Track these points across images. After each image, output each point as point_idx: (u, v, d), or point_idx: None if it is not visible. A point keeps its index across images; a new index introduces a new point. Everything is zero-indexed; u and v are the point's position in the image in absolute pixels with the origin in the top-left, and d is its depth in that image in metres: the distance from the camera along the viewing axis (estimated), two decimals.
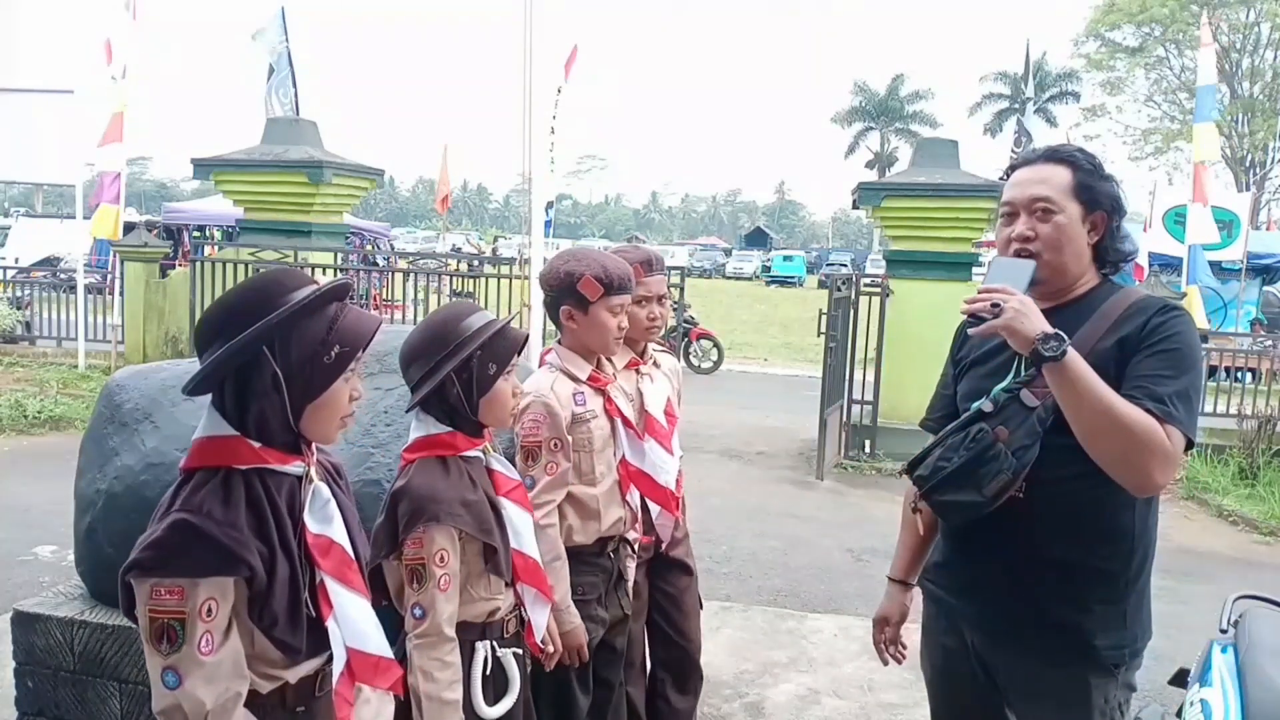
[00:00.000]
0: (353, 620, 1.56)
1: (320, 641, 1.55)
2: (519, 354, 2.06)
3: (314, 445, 1.59)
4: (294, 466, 1.54)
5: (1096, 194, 1.87)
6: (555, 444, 2.36)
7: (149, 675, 1.42)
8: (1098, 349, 1.80)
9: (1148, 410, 1.69)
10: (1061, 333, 1.69)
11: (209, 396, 1.52)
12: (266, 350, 1.47)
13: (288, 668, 1.53)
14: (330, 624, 1.54)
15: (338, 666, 1.56)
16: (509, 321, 2.03)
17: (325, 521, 1.55)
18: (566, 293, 2.41)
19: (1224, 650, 2.41)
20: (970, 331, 1.83)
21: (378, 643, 1.61)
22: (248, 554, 1.42)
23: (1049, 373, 1.71)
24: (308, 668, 1.57)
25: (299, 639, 1.50)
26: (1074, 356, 1.69)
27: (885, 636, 2.24)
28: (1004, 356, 1.89)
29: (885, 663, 2.26)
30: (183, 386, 1.52)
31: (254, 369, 1.47)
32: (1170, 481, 1.79)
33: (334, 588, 1.54)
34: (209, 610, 1.40)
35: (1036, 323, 1.70)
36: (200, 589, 1.39)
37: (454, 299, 10.60)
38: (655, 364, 2.86)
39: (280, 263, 9.10)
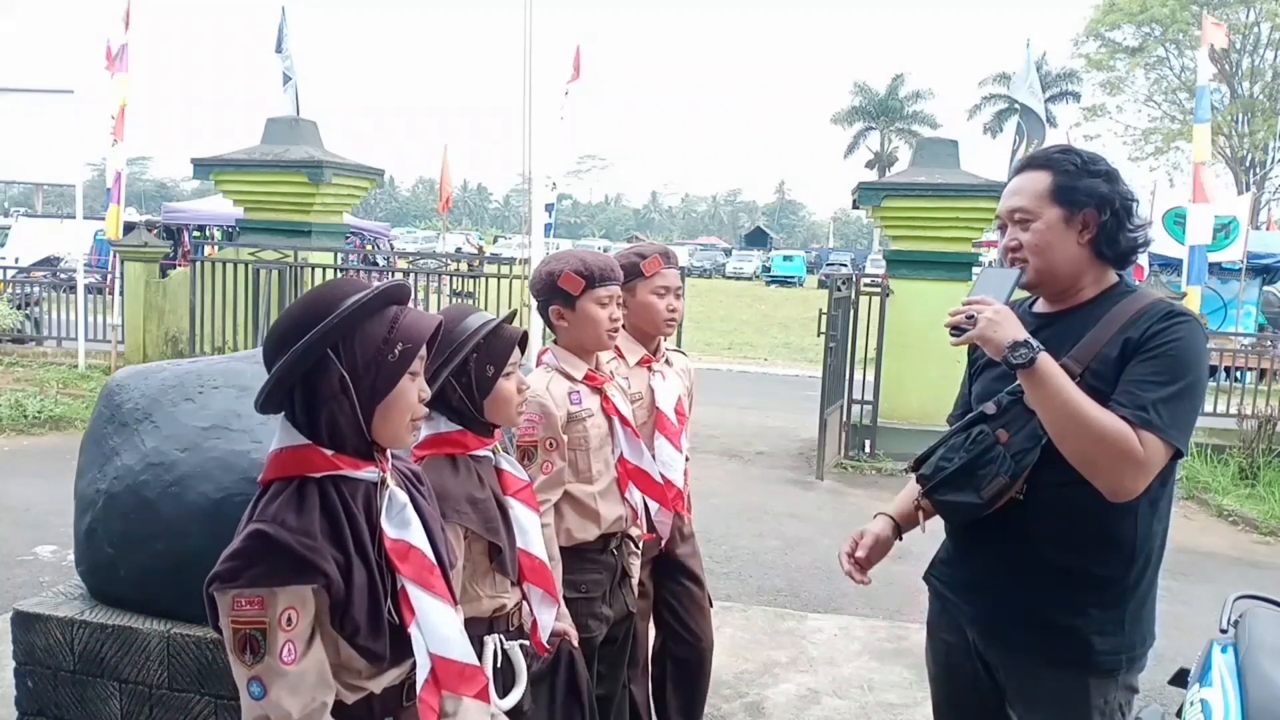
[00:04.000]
0: (436, 626, 1.56)
1: (405, 649, 1.54)
2: (521, 351, 2.06)
3: (389, 452, 1.59)
4: (368, 472, 1.53)
5: (1078, 194, 1.85)
6: (550, 443, 2.37)
7: (236, 689, 1.43)
8: (1102, 354, 1.80)
9: (1124, 417, 1.71)
10: (1031, 340, 1.73)
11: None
12: (331, 353, 1.47)
13: (372, 677, 1.53)
14: (413, 630, 1.53)
15: (421, 674, 1.55)
16: (503, 321, 2.03)
17: (403, 526, 1.55)
18: (551, 293, 2.43)
19: (1224, 650, 2.41)
20: (952, 343, 1.87)
21: (462, 649, 1.60)
22: (323, 561, 1.42)
23: (1021, 378, 1.76)
24: (392, 677, 1.56)
25: (382, 646, 1.50)
26: (1044, 363, 1.73)
27: (847, 549, 2.10)
28: None
29: (845, 573, 2.10)
30: (254, 402, 1.52)
31: (320, 374, 1.48)
32: (1141, 488, 1.76)
33: (415, 593, 1.54)
34: (289, 619, 1.40)
35: (1008, 331, 1.75)
36: (279, 598, 1.40)
37: (454, 299, 10.61)
38: (667, 362, 2.87)
39: (280, 263, 9.11)
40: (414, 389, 1.56)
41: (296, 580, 1.41)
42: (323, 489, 1.48)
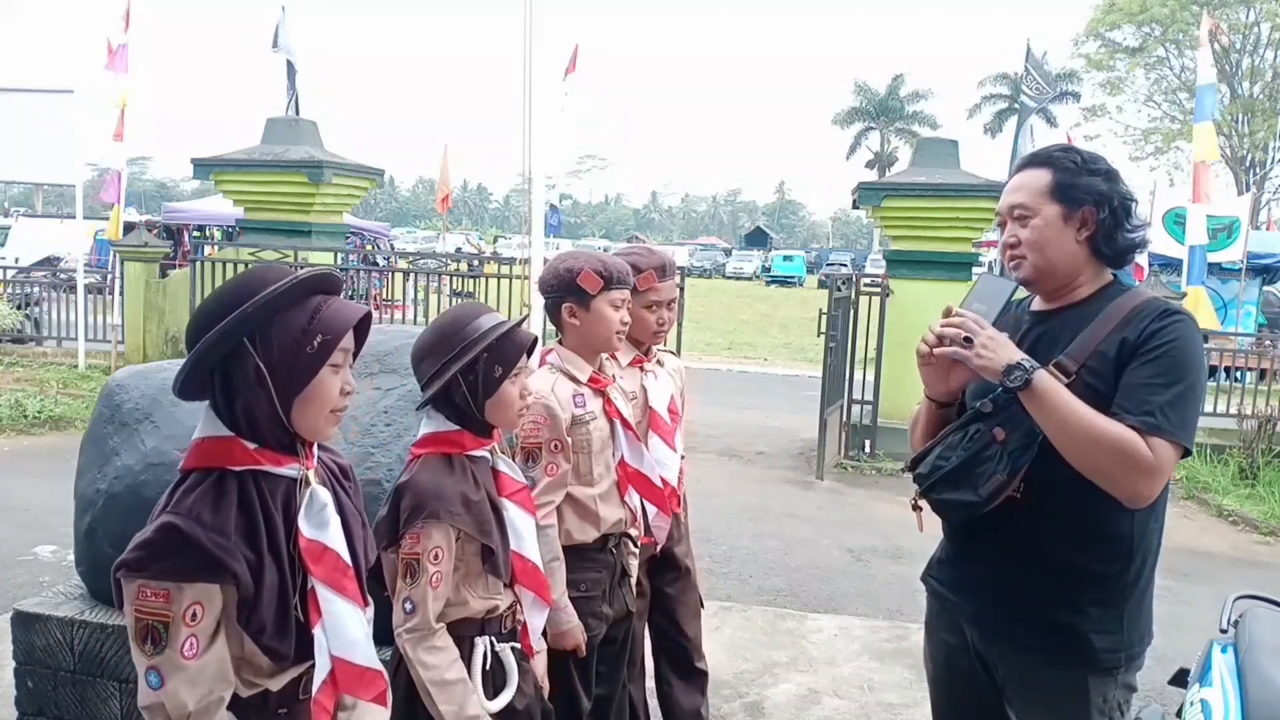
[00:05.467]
0: (343, 629, 1.53)
1: (310, 649, 1.52)
2: (527, 357, 2.06)
3: (314, 447, 1.56)
4: (289, 469, 1.50)
5: (1077, 191, 1.87)
6: (555, 445, 2.37)
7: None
8: (1098, 352, 1.81)
9: (1131, 425, 1.71)
10: (1025, 361, 1.76)
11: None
12: (247, 342, 1.44)
13: (273, 675, 1.51)
14: (317, 631, 1.51)
15: (319, 675, 1.53)
16: (517, 324, 2.03)
17: (320, 526, 1.52)
18: (567, 290, 2.42)
19: (1224, 650, 2.41)
20: (938, 353, 1.87)
21: (365, 653, 1.57)
22: (233, 561, 1.39)
23: (1021, 398, 1.77)
24: (293, 674, 1.54)
25: (287, 646, 1.48)
26: (1041, 381, 1.75)
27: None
28: None
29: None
30: (172, 386, 1.50)
31: (236, 363, 1.45)
32: (1157, 492, 1.79)
33: (325, 595, 1.51)
34: (193, 614, 1.38)
35: (1002, 356, 1.78)
36: (185, 593, 1.37)
37: (454, 299, 10.60)
38: (659, 363, 2.88)
39: (280, 263, 9.10)
40: (335, 381, 1.51)
41: (205, 578, 1.39)
42: (242, 484, 1.45)
